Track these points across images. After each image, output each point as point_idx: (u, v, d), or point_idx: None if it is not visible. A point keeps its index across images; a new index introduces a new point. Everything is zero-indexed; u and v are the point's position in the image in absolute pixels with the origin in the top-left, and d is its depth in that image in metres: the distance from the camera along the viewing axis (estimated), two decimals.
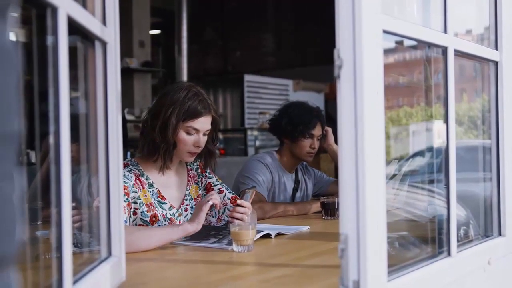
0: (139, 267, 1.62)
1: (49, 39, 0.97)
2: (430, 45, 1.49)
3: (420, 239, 1.67)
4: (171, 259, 1.77)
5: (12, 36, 0.55)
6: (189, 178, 2.31)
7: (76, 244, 1.33)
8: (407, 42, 1.49)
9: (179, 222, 2.19)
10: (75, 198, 1.07)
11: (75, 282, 1.06)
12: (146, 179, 2.17)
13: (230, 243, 1.86)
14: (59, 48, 0.97)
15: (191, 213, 2.24)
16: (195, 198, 2.29)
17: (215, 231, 2.08)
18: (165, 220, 2.14)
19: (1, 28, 0.52)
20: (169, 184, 2.23)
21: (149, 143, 2.15)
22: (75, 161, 1.16)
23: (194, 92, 2.14)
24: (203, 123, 2.14)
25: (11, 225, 0.52)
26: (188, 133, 2.13)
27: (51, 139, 0.97)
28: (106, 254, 1.32)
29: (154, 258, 1.78)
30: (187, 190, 2.28)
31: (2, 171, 0.51)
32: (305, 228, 2.28)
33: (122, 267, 1.37)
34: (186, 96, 2.11)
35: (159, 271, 1.62)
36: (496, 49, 1.73)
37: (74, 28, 1.08)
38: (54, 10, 0.96)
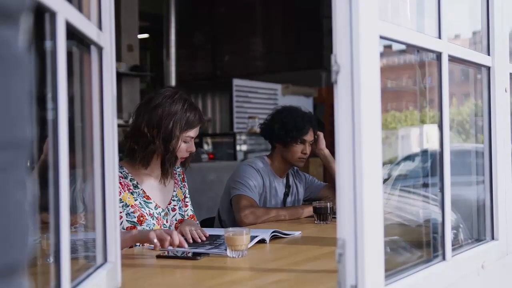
0: (134, 273, 1.61)
1: (47, 44, 0.97)
2: (425, 50, 1.50)
3: (413, 244, 1.68)
4: (166, 264, 1.76)
5: (24, 43, 0.55)
6: (176, 181, 2.39)
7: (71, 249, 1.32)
8: (395, 47, 1.49)
9: (166, 222, 2.26)
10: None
11: None
12: (131, 180, 2.21)
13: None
14: (57, 53, 0.96)
15: (179, 213, 2.33)
16: (181, 200, 2.37)
17: (210, 240, 2.07)
18: (152, 219, 2.20)
19: (13, 35, 0.51)
20: (155, 186, 2.28)
21: (148, 154, 2.18)
22: (70, 166, 1.16)
23: (189, 102, 2.24)
24: (197, 130, 2.26)
25: (24, 232, 0.52)
26: (185, 142, 2.23)
27: (50, 144, 0.96)
28: (102, 260, 1.31)
29: (149, 264, 1.77)
30: (174, 191, 2.35)
31: (15, 179, 0.51)
32: (297, 233, 2.28)
33: (117, 273, 1.36)
34: (183, 107, 2.20)
35: (154, 277, 1.61)
36: (488, 55, 1.75)
37: (70, 32, 1.07)
38: (53, 15, 0.95)
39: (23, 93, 0.51)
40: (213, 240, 2.08)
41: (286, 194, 3.04)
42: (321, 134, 3.03)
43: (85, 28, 1.15)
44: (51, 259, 1.03)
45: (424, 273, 1.37)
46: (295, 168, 3.11)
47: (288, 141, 2.89)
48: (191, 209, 2.44)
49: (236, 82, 7.85)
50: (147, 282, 1.55)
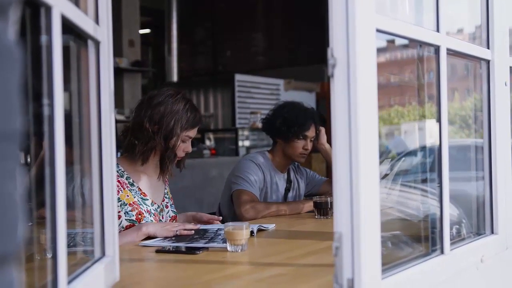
0: (132, 267, 1.62)
1: (43, 39, 0.97)
2: (423, 44, 1.50)
3: (413, 238, 1.67)
4: (164, 259, 1.76)
5: (14, 35, 0.55)
6: (166, 179, 2.41)
7: (69, 244, 1.32)
8: (398, 41, 1.49)
9: (162, 218, 2.30)
10: (67, 198, 1.06)
11: (69, 282, 1.05)
12: (126, 179, 2.24)
13: (225, 241, 1.85)
14: (53, 47, 0.96)
15: (172, 210, 2.37)
16: (170, 198, 2.41)
17: (198, 235, 2.06)
18: (150, 216, 2.22)
19: (2, 27, 0.51)
20: (149, 183, 2.30)
21: (148, 149, 2.20)
22: (67, 162, 1.16)
23: (191, 103, 2.27)
24: (195, 131, 2.29)
25: (14, 223, 0.52)
26: (183, 141, 2.25)
27: (46, 140, 0.96)
28: (100, 254, 1.31)
29: (147, 258, 1.77)
30: (165, 189, 2.39)
31: (5, 169, 0.51)
32: (271, 226, 2.28)
33: (116, 267, 1.36)
34: (185, 107, 2.23)
35: (153, 271, 1.62)
36: (488, 48, 1.74)
37: (67, 27, 1.07)
38: (48, 9, 0.95)
39: (13, 85, 0.52)
40: (202, 234, 2.07)
41: (287, 189, 3.04)
42: (322, 129, 3.02)
43: (81, 23, 1.15)
44: (50, 254, 1.04)
45: (421, 267, 1.37)
46: (296, 163, 3.11)
47: (290, 136, 2.88)
48: (173, 210, 2.47)
49: (238, 77, 7.84)
50: (145, 276, 1.55)
